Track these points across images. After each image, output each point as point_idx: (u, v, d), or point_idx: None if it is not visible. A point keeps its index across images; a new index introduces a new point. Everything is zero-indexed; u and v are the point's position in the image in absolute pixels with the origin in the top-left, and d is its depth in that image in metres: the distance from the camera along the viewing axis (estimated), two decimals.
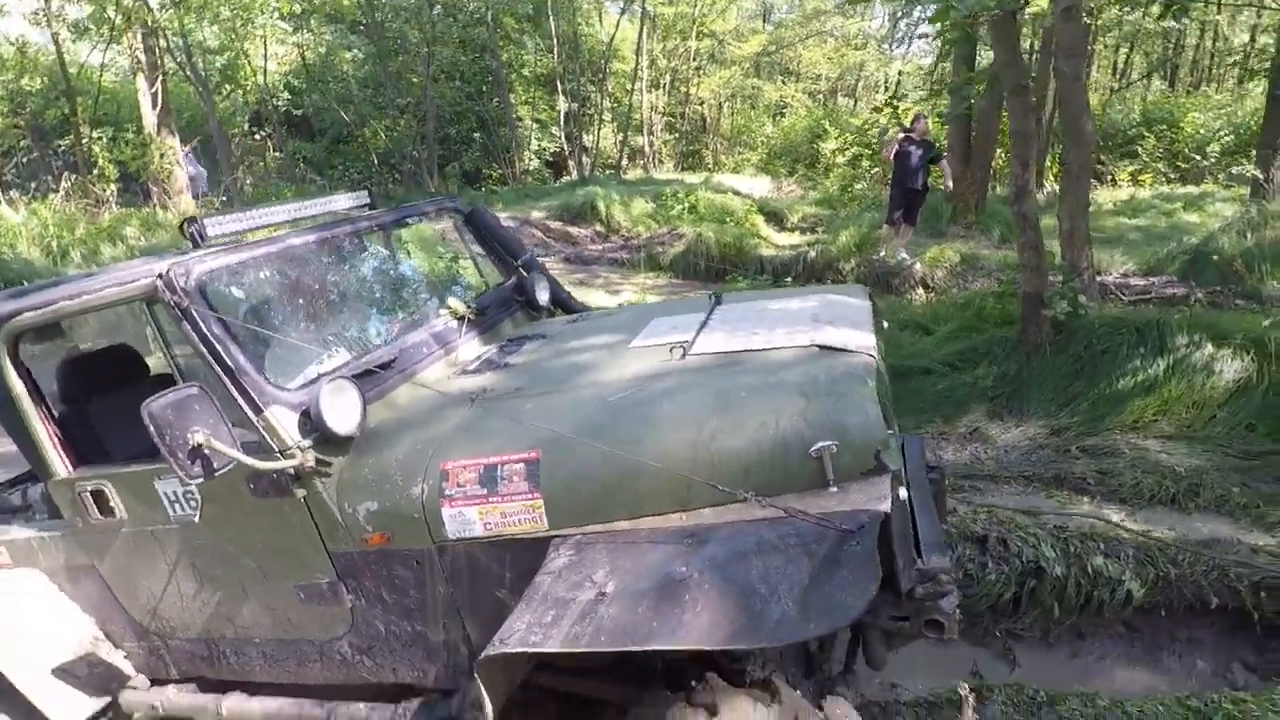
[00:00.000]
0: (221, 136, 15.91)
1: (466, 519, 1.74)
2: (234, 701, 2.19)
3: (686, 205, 13.17)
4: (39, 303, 2.04)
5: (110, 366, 2.75)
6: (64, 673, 2.35)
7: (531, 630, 1.41)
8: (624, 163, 21.74)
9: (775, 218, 13.59)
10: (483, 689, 1.42)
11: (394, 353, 2.21)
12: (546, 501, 1.68)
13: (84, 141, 12.94)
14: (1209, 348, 3.94)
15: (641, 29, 20.48)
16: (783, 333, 2.03)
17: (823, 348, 1.89)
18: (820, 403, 1.62)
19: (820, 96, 27.86)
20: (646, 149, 23.20)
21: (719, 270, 9.20)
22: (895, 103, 9.71)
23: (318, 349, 2.16)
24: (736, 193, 15.35)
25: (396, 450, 1.86)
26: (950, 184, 8.72)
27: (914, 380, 4.48)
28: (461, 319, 2.56)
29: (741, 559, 1.43)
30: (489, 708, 1.44)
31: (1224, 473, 3.47)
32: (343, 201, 2.62)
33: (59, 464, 2.18)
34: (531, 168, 20.86)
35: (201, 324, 1.80)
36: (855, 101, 26.92)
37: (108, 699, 2.41)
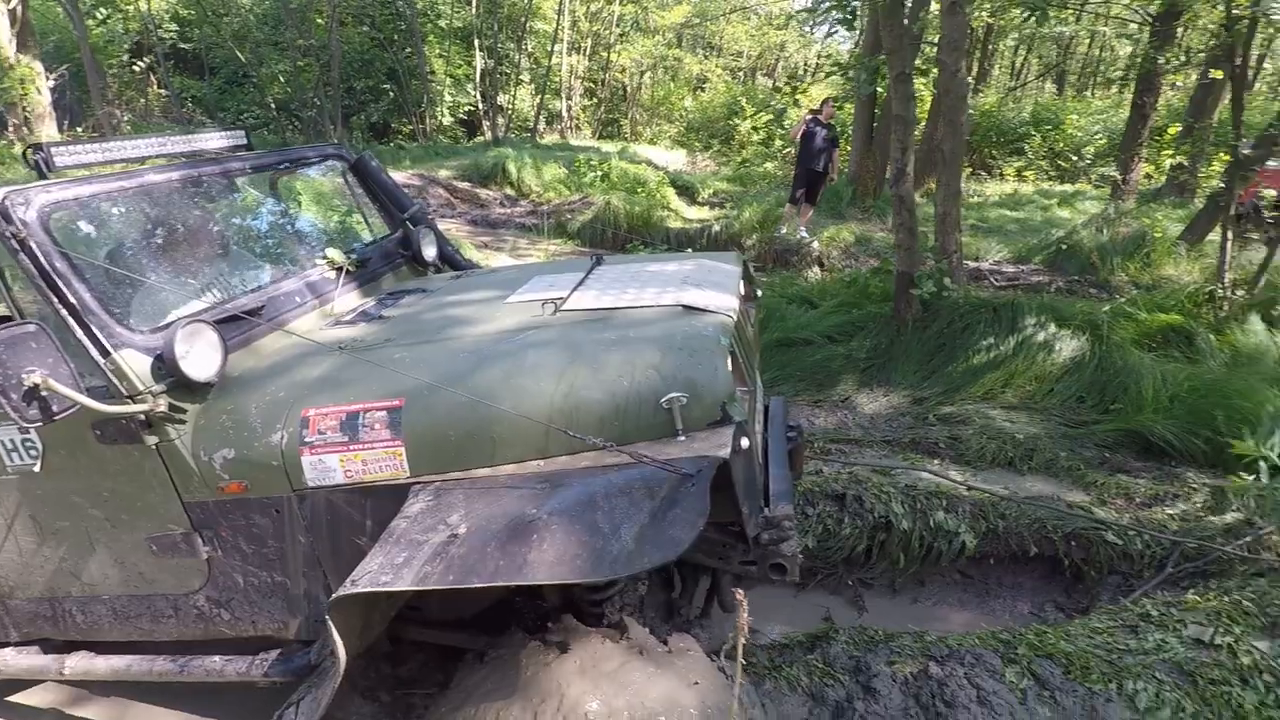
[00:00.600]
0: (94, 66, 14.51)
1: (327, 466, 1.75)
2: (78, 661, 2.11)
3: (600, 173, 13.14)
4: None
5: None
6: None
7: (383, 571, 1.46)
8: (540, 126, 21.34)
9: (687, 191, 13.77)
10: (334, 631, 1.46)
11: (262, 300, 2.17)
12: (408, 448, 1.71)
13: None
14: (1052, 328, 4.37)
15: None
16: (652, 292, 2.12)
17: (686, 307, 1.99)
18: (674, 358, 1.73)
19: (741, 74, 28.18)
20: (564, 114, 22.85)
21: (626, 239, 9.27)
22: (796, 84, 9.98)
23: (178, 292, 2.09)
24: (652, 164, 15.41)
25: (257, 397, 1.84)
26: (834, 176, 9.07)
27: (796, 350, 4.73)
28: (339, 270, 2.53)
29: (589, 501, 1.52)
30: (341, 650, 1.48)
31: (1055, 439, 3.88)
32: (216, 139, 2.50)
33: None
34: (444, 124, 20.16)
35: (41, 258, 1.71)
36: (774, 82, 27.41)
37: None
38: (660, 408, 1.66)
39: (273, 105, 17.80)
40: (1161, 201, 9.69)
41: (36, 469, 1.92)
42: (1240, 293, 4.88)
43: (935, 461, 3.64)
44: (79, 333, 1.72)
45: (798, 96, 9.56)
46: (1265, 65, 18.03)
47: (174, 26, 18.87)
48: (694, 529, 1.39)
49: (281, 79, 17.68)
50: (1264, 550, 2.95)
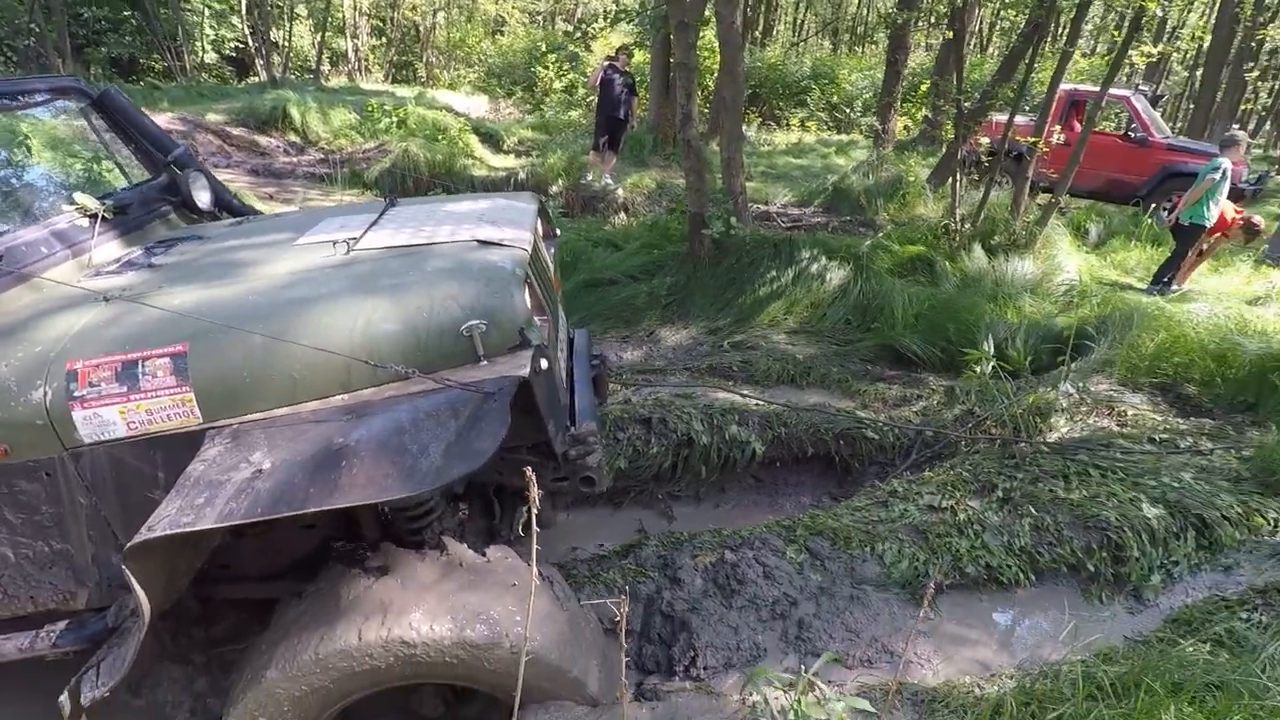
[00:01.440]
0: None
1: (104, 420, 1.65)
2: None
3: (395, 120, 12.39)
4: None
5: None
6: None
7: (183, 513, 1.43)
8: (324, 68, 19.53)
9: (491, 139, 13.41)
10: (135, 582, 1.42)
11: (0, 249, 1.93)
12: (198, 394, 1.66)
13: None
14: (824, 261, 4.96)
15: None
16: (448, 229, 2.17)
17: (481, 242, 2.07)
18: (472, 288, 1.81)
19: (540, 18, 27.51)
20: (351, 55, 21.06)
21: (428, 188, 8.94)
22: (584, 27, 10.08)
23: None
24: (451, 110, 14.77)
25: (8, 354, 1.67)
26: (634, 124, 9.36)
27: (602, 290, 4.95)
28: (94, 217, 2.28)
29: (396, 427, 1.59)
30: (144, 602, 1.44)
31: (829, 357, 4.45)
32: None
33: None
34: (207, 62, 17.79)
35: None
36: (583, 30, 27.12)
37: None
38: (461, 335, 1.74)
39: None
40: (916, 150, 11.07)
41: None
42: (967, 226, 5.82)
43: (730, 384, 4.04)
44: None
45: (589, 43, 9.66)
46: (998, 31, 20.92)
47: None
48: (496, 439, 1.51)
49: None
50: (982, 433, 3.65)
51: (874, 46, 25.39)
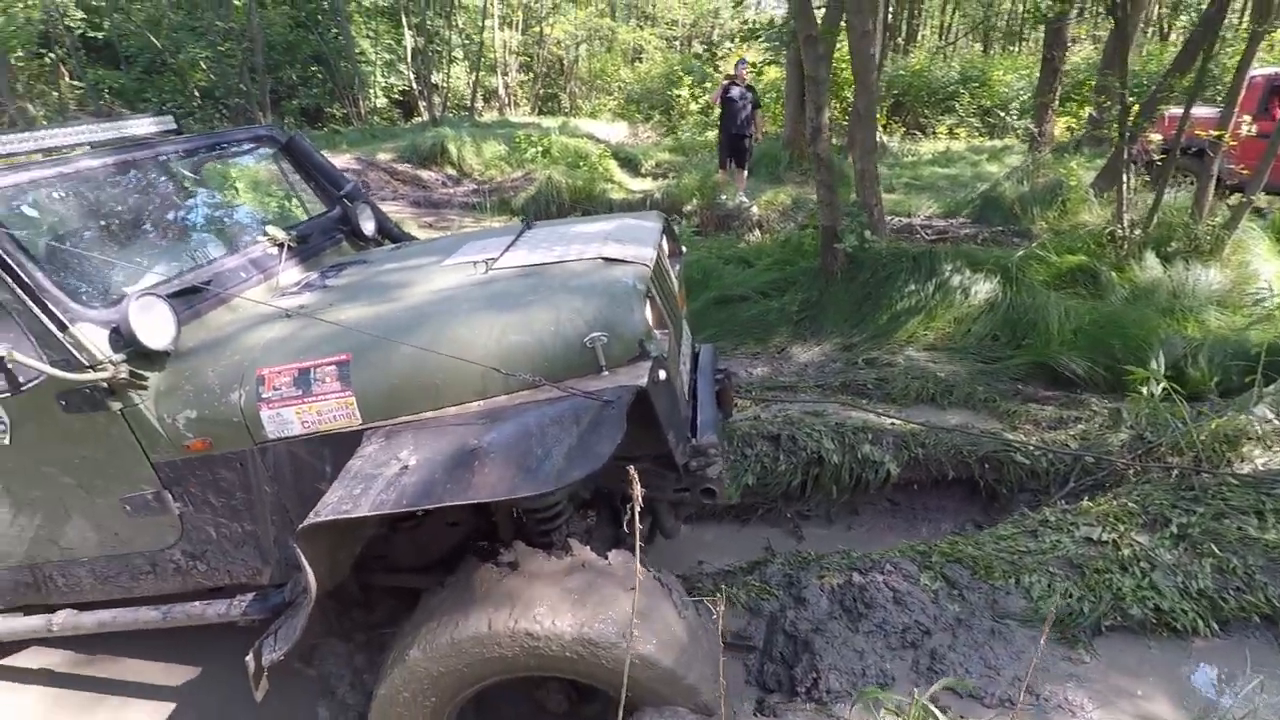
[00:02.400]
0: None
1: (284, 419, 1.90)
2: (65, 617, 2.23)
3: (540, 149, 13.13)
4: None
5: None
6: None
7: (343, 502, 1.62)
8: (478, 104, 21.08)
9: (630, 163, 13.86)
10: (304, 559, 1.62)
11: (208, 275, 2.27)
12: (358, 398, 1.86)
13: None
14: (968, 273, 4.68)
15: None
16: (577, 249, 2.29)
17: (606, 259, 2.17)
18: (595, 302, 1.91)
19: (677, 43, 28.14)
20: (501, 91, 22.58)
21: (569, 212, 9.37)
22: (713, 49, 10.18)
23: (127, 270, 2.18)
24: (593, 138, 15.42)
25: (214, 362, 1.96)
26: (758, 137, 9.27)
27: (732, 307, 4.96)
28: (281, 246, 2.63)
29: (524, 431, 1.71)
30: (311, 578, 1.64)
31: (974, 375, 4.20)
32: (145, 125, 2.56)
33: None
34: (378, 106, 19.74)
35: None
36: (712, 50, 27.51)
37: None
38: (584, 347, 1.84)
39: (197, 93, 17.19)
40: (1079, 153, 10.20)
41: (6, 442, 2.01)
42: (1138, 232, 5.28)
43: (864, 402, 3.92)
44: (35, 309, 1.82)
45: (718, 62, 9.75)
46: (1181, 18, 18.85)
47: (80, 14, 17.97)
48: (612, 444, 1.58)
49: (203, 65, 17.06)
50: (1153, 461, 3.30)
51: (1030, 44, 23.70)
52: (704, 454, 2.22)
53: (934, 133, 17.36)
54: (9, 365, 1.69)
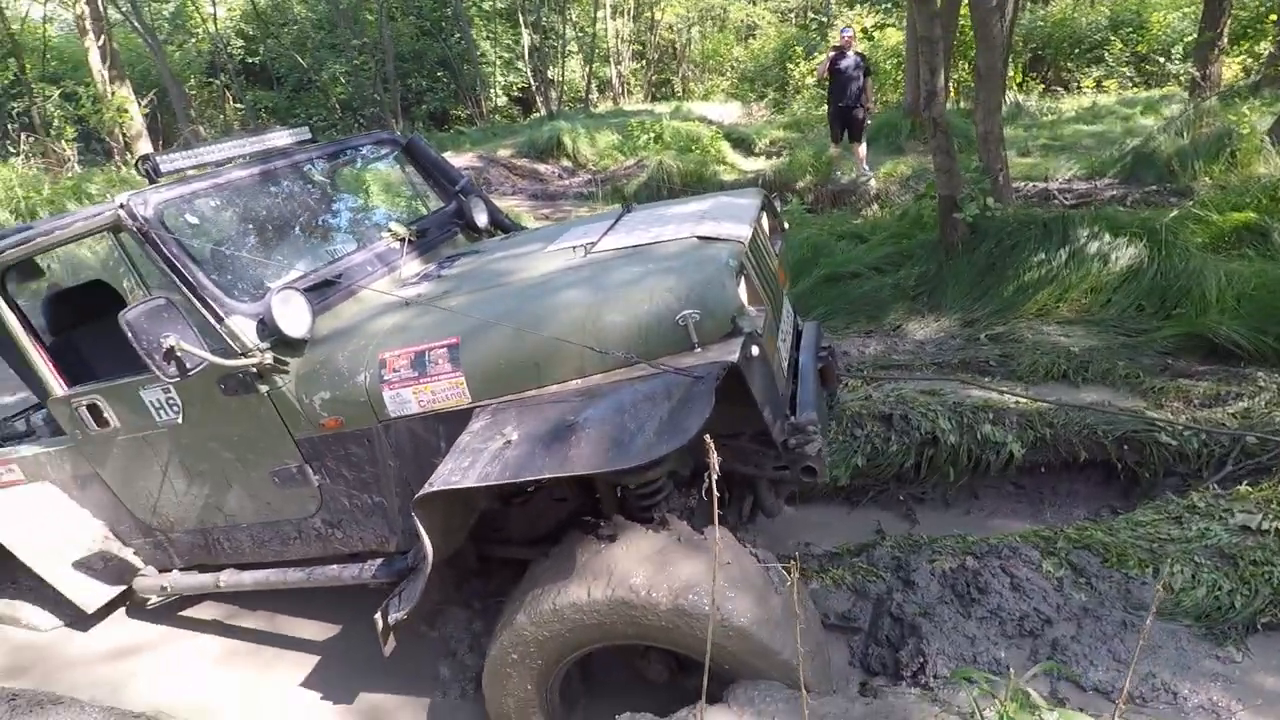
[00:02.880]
0: (176, 88, 15.60)
1: (403, 399, 2.07)
2: (229, 575, 2.57)
3: (653, 135, 13.20)
4: (19, 240, 2.31)
5: (89, 299, 3.03)
6: (83, 566, 2.72)
7: (453, 474, 1.76)
8: (593, 95, 21.45)
9: (743, 143, 13.65)
10: (421, 526, 1.78)
11: (339, 270, 2.50)
12: (467, 378, 2.00)
13: (38, 101, 12.74)
14: (1107, 238, 4.27)
15: None
16: (672, 229, 2.33)
17: (700, 238, 2.19)
18: (687, 280, 1.94)
19: (792, 15, 27.28)
20: (615, 80, 22.85)
21: (679, 195, 9.39)
22: (819, 18, 9.77)
23: (270, 267, 2.45)
24: (706, 120, 15.30)
25: (344, 347, 2.17)
26: (872, 104, 8.80)
27: (844, 284, 4.80)
28: (403, 241, 2.84)
29: (618, 408, 1.77)
30: (428, 544, 1.80)
31: (1114, 350, 3.85)
32: (284, 137, 2.84)
33: (55, 383, 2.49)
34: (499, 105, 20.57)
35: (162, 246, 2.08)
36: (829, 17, 26.43)
37: (122, 587, 2.80)
38: (676, 325, 1.87)
39: (337, 106, 18.65)
40: (1258, 97, 8.98)
41: (180, 421, 2.33)
42: None
43: (986, 380, 3.70)
44: (198, 304, 2.09)
45: (826, 31, 9.39)
46: None
47: (240, 43, 19.94)
48: (701, 418, 1.61)
49: (342, 80, 18.46)
50: None
51: None
52: (803, 431, 2.19)
53: (1078, 87, 15.87)
54: (178, 354, 1.95)
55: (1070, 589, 2.37)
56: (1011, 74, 14.00)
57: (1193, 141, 7.25)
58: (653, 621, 1.78)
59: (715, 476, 1.12)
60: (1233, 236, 4.48)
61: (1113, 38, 16.34)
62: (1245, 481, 2.83)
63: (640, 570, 1.83)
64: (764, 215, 2.69)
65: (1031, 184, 7.80)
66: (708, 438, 1.18)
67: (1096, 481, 3.32)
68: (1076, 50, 16.79)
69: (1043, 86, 15.67)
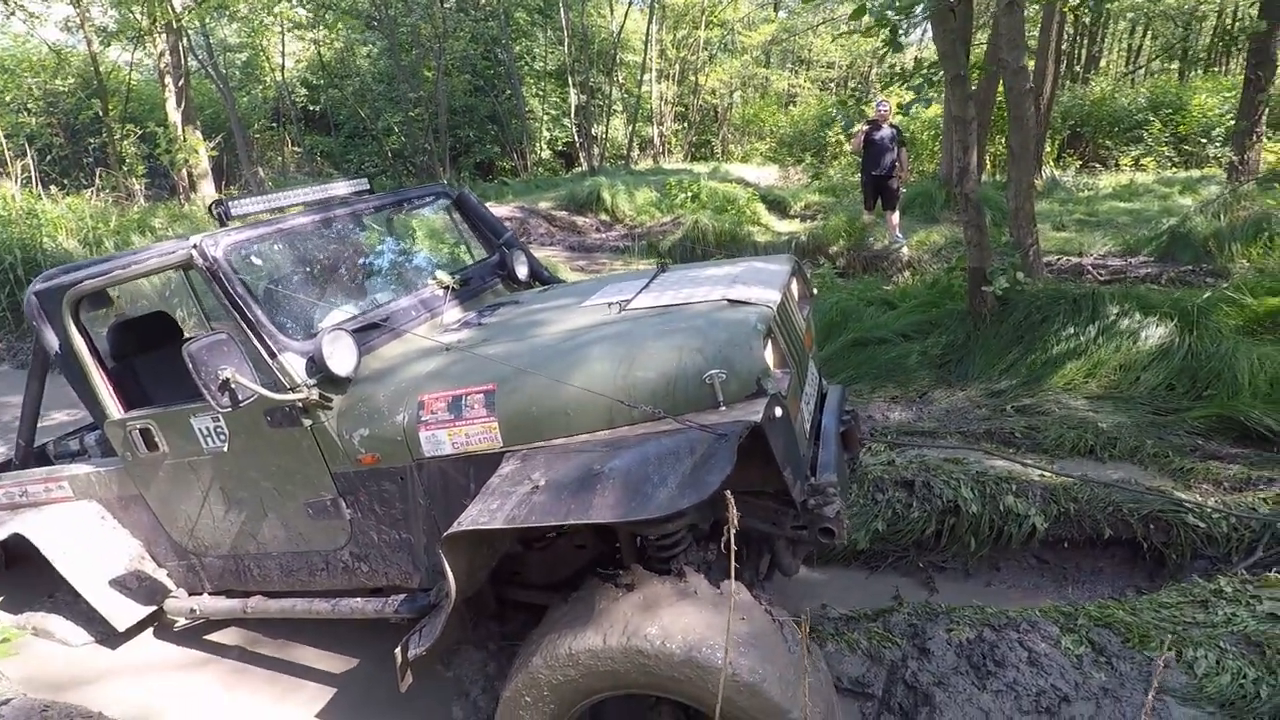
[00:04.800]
0: (242, 131, 16.49)
1: (438, 440, 2.17)
2: (256, 602, 2.65)
3: (690, 194, 13.54)
4: (96, 272, 2.51)
5: (151, 330, 3.22)
6: (118, 584, 2.84)
7: (481, 515, 1.84)
8: (634, 153, 22.10)
9: (779, 206, 13.92)
10: (446, 563, 1.85)
11: (386, 314, 2.65)
12: (500, 423, 2.10)
13: (115, 139, 13.56)
14: (1137, 316, 4.28)
15: (650, 18, 20.78)
16: (704, 290, 2.43)
17: (731, 301, 2.29)
18: (715, 341, 2.03)
19: (833, 85, 27.96)
20: (656, 139, 23.54)
21: (713, 255, 9.57)
22: (857, 93, 10.04)
23: (322, 308, 2.60)
24: (743, 182, 15.67)
25: (385, 388, 2.29)
26: (906, 173, 8.97)
27: (871, 349, 4.85)
28: (447, 289, 2.99)
29: (643, 459, 1.84)
30: (451, 578, 1.87)
31: (1142, 428, 3.83)
32: (344, 187, 3.05)
33: (113, 407, 2.65)
34: (543, 158, 21.29)
35: (228, 285, 2.24)
36: (868, 89, 27.00)
37: (154, 607, 2.89)
38: (703, 383, 1.95)
39: (389, 154, 19.48)
40: None
41: (225, 450, 2.46)
42: None
43: (1010, 451, 3.70)
44: (254, 341, 2.23)
45: (863, 106, 9.62)
46: None
47: (304, 90, 21.06)
48: (722, 474, 1.67)
49: (396, 130, 19.33)
50: None
51: (1238, 64, 21.18)
52: (822, 493, 2.24)
53: (1116, 164, 15.95)
54: (232, 386, 2.08)
55: (1090, 667, 2.34)
56: (1049, 149, 14.15)
57: (1229, 224, 7.24)
58: (665, 672, 1.81)
59: (734, 531, 1.19)
60: (1267, 320, 4.45)
61: (1152, 118, 16.46)
62: (1276, 568, 2.78)
63: (656, 620, 1.87)
64: (794, 281, 2.79)
65: (1065, 258, 7.83)
66: (728, 494, 1.25)
67: (1121, 560, 3.28)
68: (1116, 129, 16.94)
69: (1080, 162, 15.79)
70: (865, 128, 8.44)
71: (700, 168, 18.61)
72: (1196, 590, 2.66)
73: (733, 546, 1.18)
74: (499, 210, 12.55)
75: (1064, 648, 2.40)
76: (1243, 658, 2.29)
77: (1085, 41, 21.82)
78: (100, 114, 14.47)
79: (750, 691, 1.79)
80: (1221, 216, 7.44)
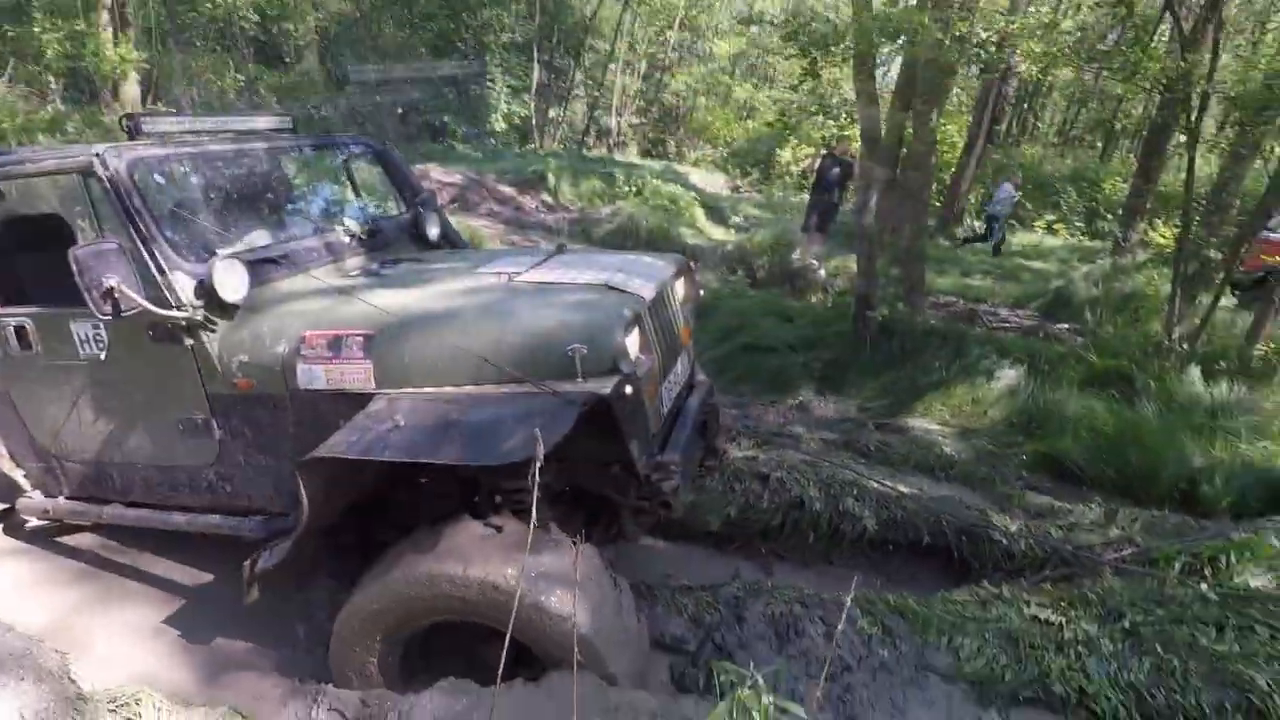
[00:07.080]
0: (181, 45, 15.69)
1: (314, 374, 2.31)
2: (113, 509, 2.71)
3: (633, 189, 13.75)
4: None
5: (43, 230, 3.20)
6: None
7: (339, 445, 2.00)
8: (590, 139, 22.12)
9: (718, 213, 14.28)
10: (301, 485, 2.00)
11: (287, 251, 2.75)
12: (375, 366, 2.26)
13: (37, 33, 12.71)
14: (995, 358, 4.77)
15: (624, 10, 20.85)
16: (590, 275, 2.64)
17: (609, 287, 2.50)
18: (584, 320, 2.24)
19: (793, 105, 28.61)
20: (613, 130, 23.62)
21: (644, 249, 9.82)
22: (784, 120, 10.62)
23: (225, 237, 2.68)
24: (689, 185, 15.97)
25: (271, 319, 2.41)
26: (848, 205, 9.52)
27: (760, 355, 5.21)
28: (353, 236, 3.11)
29: (497, 415, 2.05)
30: (306, 505, 2.02)
31: (979, 455, 4.29)
32: (267, 120, 3.11)
33: None
34: (497, 130, 21.06)
35: (126, 198, 2.31)
36: (825, 116, 27.79)
37: (6, 505, 2.91)
38: (565, 355, 2.16)
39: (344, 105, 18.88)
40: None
41: (102, 357, 2.52)
42: (1185, 346, 5.21)
43: (861, 461, 4.08)
44: (145, 255, 2.31)
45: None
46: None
47: (255, 17, 20.13)
48: (559, 434, 1.89)
49: (350, 78, 18.76)
50: (1131, 562, 3.33)
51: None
52: (664, 469, 2.49)
53: (1032, 225, 17.07)
54: (116, 295, 2.16)
55: (876, 645, 2.69)
56: (973, 201, 15.06)
57: (1105, 293, 7.98)
58: (464, 594, 2.02)
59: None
60: (1103, 378, 5.02)
61: (1070, 188, 17.69)
62: (1051, 583, 3.22)
63: (515, 563, 2.06)
64: (680, 280, 3.03)
65: (962, 302, 8.43)
66: (537, 450, 1.46)
67: (937, 567, 3.68)
68: (1038, 193, 18.12)
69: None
70: (824, 156, 8.91)
71: (652, 164, 18.82)
72: (982, 593, 3.06)
73: (536, 492, 1.39)
74: (444, 175, 12.43)
75: (859, 627, 2.74)
76: (999, 648, 2.68)
77: (1026, 107, 23.14)
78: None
79: (552, 617, 2.02)
80: (1098, 285, 8.18)
